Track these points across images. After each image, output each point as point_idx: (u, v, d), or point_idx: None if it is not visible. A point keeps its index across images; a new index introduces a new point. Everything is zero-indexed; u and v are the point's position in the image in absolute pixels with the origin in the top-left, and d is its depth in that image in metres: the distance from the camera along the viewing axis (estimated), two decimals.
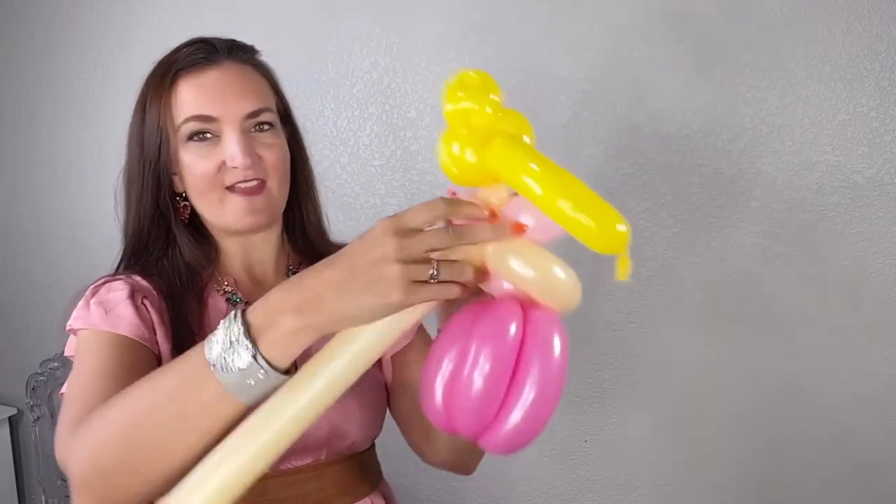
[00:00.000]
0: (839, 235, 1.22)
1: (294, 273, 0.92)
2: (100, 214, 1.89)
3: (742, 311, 1.30)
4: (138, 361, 0.75)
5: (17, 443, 2.12)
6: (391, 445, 0.99)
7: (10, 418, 2.08)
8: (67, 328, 0.83)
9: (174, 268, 0.85)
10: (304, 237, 0.93)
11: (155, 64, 0.85)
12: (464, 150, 0.59)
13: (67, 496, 2.14)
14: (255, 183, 0.81)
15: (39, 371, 1.98)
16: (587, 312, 1.39)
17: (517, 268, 0.58)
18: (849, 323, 1.24)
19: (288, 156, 0.86)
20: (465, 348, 0.59)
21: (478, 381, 0.57)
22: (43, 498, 2.02)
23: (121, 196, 0.90)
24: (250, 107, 0.81)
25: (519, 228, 0.59)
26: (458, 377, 0.59)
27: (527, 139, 0.62)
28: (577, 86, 1.35)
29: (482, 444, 0.61)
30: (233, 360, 0.55)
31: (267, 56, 0.91)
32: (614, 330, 1.38)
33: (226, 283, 0.88)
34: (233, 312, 0.58)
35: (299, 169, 0.91)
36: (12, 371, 2.07)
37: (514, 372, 0.58)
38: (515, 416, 0.58)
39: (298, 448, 0.78)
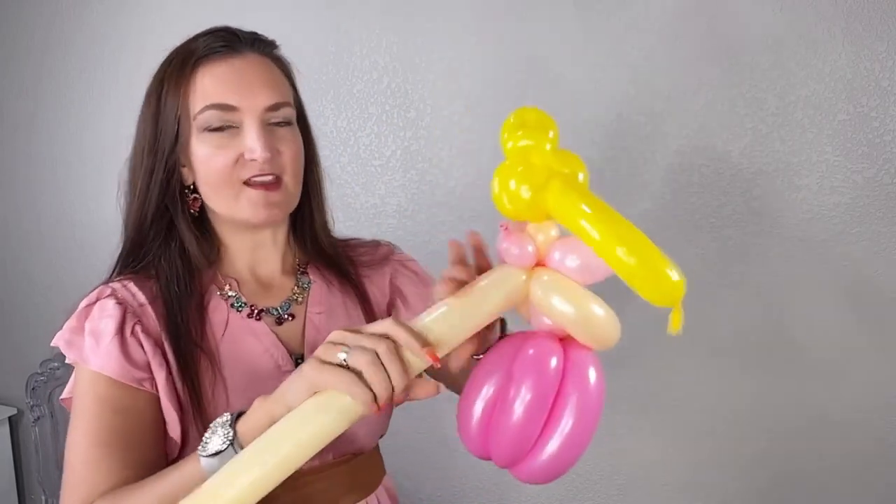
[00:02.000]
0: (839, 235, 1.22)
1: (303, 273, 0.90)
2: (100, 214, 1.89)
3: (742, 311, 1.30)
4: (132, 406, 0.75)
5: (17, 443, 2.12)
6: (392, 445, 0.99)
7: (10, 418, 2.08)
8: (55, 343, 0.80)
9: (172, 268, 0.81)
10: (313, 236, 0.91)
11: (172, 51, 0.83)
12: (520, 186, 0.61)
13: None
14: (271, 178, 0.78)
15: (39, 371, 1.98)
16: None
17: (559, 306, 0.60)
18: (848, 323, 1.24)
19: (303, 153, 0.84)
20: (507, 379, 0.61)
21: (518, 411, 0.59)
22: (43, 498, 2.02)
23: (124, 186, 0.86)
24: (272, 99, 0.78)
25: (433, 358, 0.60)
26: (498, 406, 0.61)
27: (581, 176, 0.63)
28: (576, 86, 1.35)
29: (516, 474, 0.63)
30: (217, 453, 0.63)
31: None
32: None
33: (228, 285, 0.85)
34: (227, 418, 0.65)
35: (310, 168, 0.89)
36: (12, 371, 2.07)
37: (553, 405, 0.60)
38: (552, 445, 0.60)
39: None
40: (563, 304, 0.60)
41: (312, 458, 0.81)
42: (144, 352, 0.77)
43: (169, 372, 0.77)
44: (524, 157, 0.62)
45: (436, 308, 0.63)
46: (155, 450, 0.76)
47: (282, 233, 0.89)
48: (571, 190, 0.59)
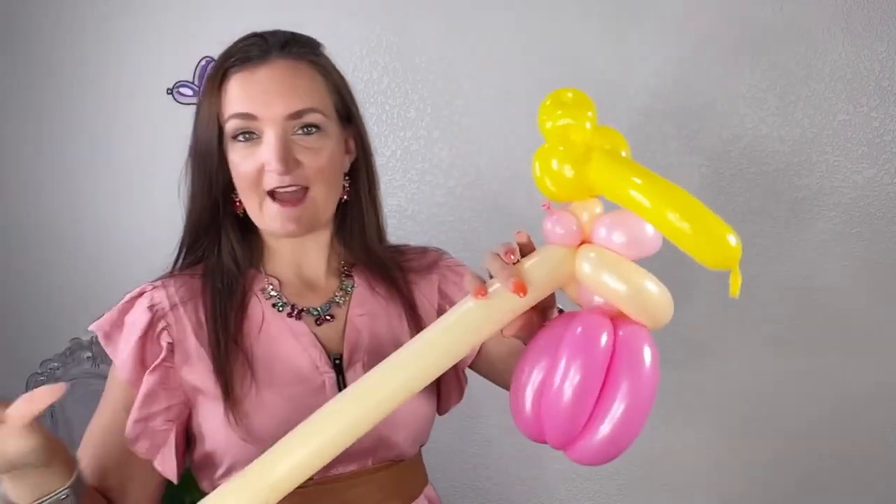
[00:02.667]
0: (839, 235, 1.22)
1: (348, 276, 0.89)
2: (100, 214, 1.89)
3: (742, 311, 1.30)
4: (123, 406, 0.79)
5: None
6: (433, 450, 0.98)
7: None
8: (92, 328, 0.83)
9: (219, 266, 0.84)
10: (360, 238, 0.89)
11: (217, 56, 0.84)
12: (563, 165, 0.60)
13: None
14: (294, 189, 0.78)
15: (39, 371, 1.97)
16: None
17: (610, 282, 0.59)
18: (849, 323, 1.24)
19: (337, 160, 0.82)
20: (555, 359, 0.59)
21: (567, 392, 0.58)
22: None
23: (184, 187, 0.86)
24: (293, 107, 0.77)
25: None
26: (547, 388, 0.60)
27: (624, 153, 0.61)
28: (577, 85, 1.34)
29: (570, 455, 0.61)
30: None
31: None
32: None
33: (270, 284, 0.85)
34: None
35: (362, 170, 0.88)
36: (12, 371, 2.07)
37: (604, 384, 0.58)
38: (605, 428, 0.58)
39: (344, 456, 0.76)
40: (614, 280, 0.58)
41: (350, 463, 0.81)
42: (162, 352, 0.79)
43: (167, 364, 0.79)
44: (564, 136, 0.62)
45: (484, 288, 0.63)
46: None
47: (324, 236, 0.88)
48: (617, 162, 0.58)
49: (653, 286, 0.59)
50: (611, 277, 0.59)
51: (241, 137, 0.78)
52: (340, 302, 0.87)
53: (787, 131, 1.22)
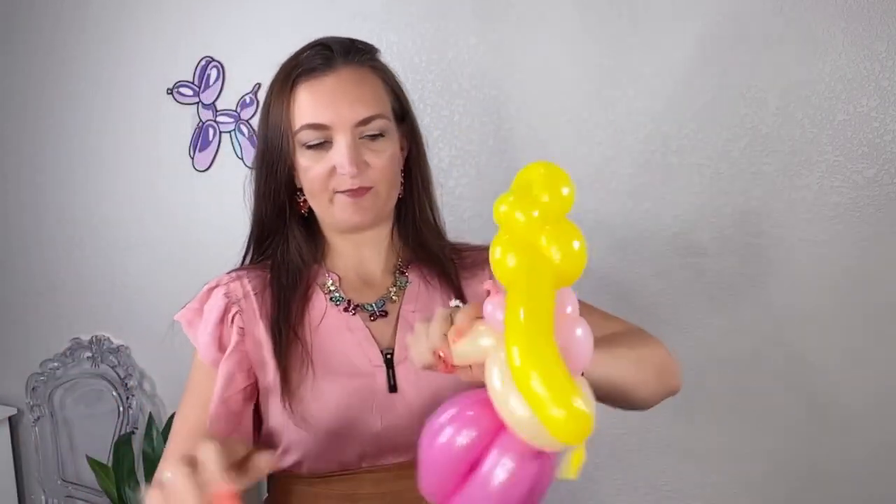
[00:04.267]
0: (839, 235, 1.22)
1: (402, 274, 0.93)
2: (100, 214, 1.89)
3: (741, 312, 1.30)
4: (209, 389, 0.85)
5: (17, 443, 2.12)
6: None
7: (10, 418, 2.08)
8: (177, 318, 0.90)
9: (284, 262, 0.90)
10: (417, 234, 0.95)
11: (280, 66, 0.88)
12: (505, 254, 0.56)
13: (67, 496, 2.14)
14: (360, 189, 0.84)
15: (39, 371, 1.98)
16: None
17: (510, 402, 0.53)
18: (849, 323, 1.24)
19: (397, 158, 0.88)
20: (453, 420, 0.58)
21: (441, 455, 0.57)
22: (43, 498, 2.03)
23: (252, 187, 0.93)
24: (362, 114, 0.83)
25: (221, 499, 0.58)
26: (437, 433, 0.58)
27: (576, 244, 0.55)
28: (576, 86, 1.35)
29: None
30: None
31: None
32: None
33: (331, 280, 0.91)
34: None
35: (415, 165, 0.93)
36: (12, 371, 2.07)
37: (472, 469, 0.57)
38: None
39: (392, 446, 0.83)
40: (516, 401, 0.52)
41: (398, 455, 0.84)
42: (234, 338, 0.86)
43: (260, 347, 0.86)
44: (509, 224, 0.56)
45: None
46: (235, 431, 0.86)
47: (384, 233, 0.93)
48: (524, 290, 0.52)
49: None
50: (515, 398, 0.52)
51: (311, 146, 0.84)
52: (395, 298, 0.91)
53: (787, 131, 1.22)
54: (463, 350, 0.62)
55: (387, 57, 1.50)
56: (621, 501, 1.45)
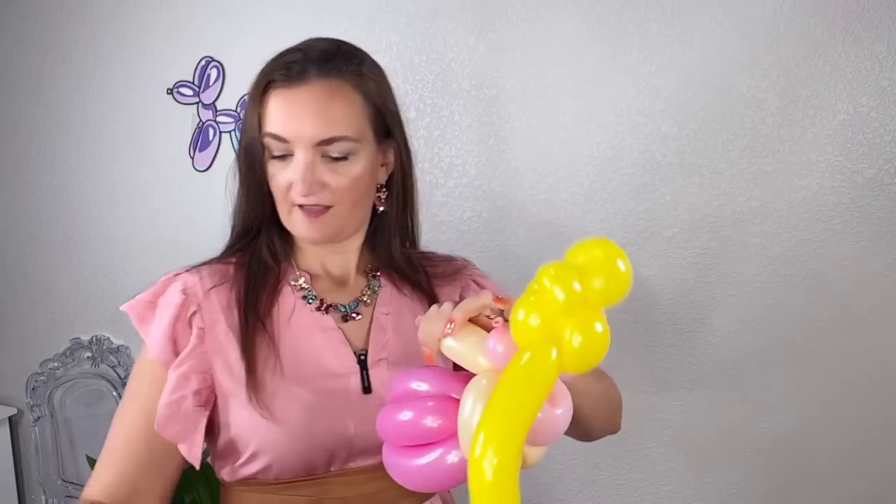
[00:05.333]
0: (839, 235, 1.22)
1: (374, 277, 0.92)
2: (100, 214, 1.89)
3: (741, 312, 1.30)
4: (158, 389, 0.81)
5: (17, 443, 2.12)
6: None
7: (10, 418, 2.08)
8: (124, 308, 0.86)
9: (256, 254, 0.88)
10: (387, 247, 0.92)
11: (264, 63, 0.85)
12: (527, 315, 0.56)
13: (67, 496, 2.14)
14: (317, 208, 0.82)
15: (39, 371, 1.98)
16: None
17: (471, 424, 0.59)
18: (849, 323, 1.24)
19: (366, 178, 0.84)
20: (420, 400, 0.65)
21: (407, 423, 0.65)
22: (43, 498, 2.02)
23: (234, 180, 0.91)
24: (324, 134, 0.79)
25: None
26: (406, 399, 0.67)
27: (554, 353, 0.55)
28: (577, 86, 1.35)
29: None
30: None
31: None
32: (613, 330, 1.37)
33: (302, 278, 0.89)
34: None
35: (398, 183, 0.89)
36: (12, 371, 2.07)
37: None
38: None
39: (363, 449, 0.82)
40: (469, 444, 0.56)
41: (369, 458, 0.84)
42: (190, 336, 0.82)
43: (225, 347, 0.82)
44: (544, 295, 0.56)
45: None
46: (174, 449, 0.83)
47: (353, 244, 0.91)
48: (521, 377, 0.55)
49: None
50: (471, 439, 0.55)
51: (274, 156, 0.82)
52: (368, 301, 0.90)
53: (787, 131, 1.22)
54: (454, 347, 0.65)
55: (386, 57, 1.50)
56: (622, 501, 1.45)
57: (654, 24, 1.27)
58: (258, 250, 0.88)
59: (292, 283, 0.88)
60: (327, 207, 0.82)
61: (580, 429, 0.82)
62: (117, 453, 0.81)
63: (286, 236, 0.89)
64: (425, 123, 1.47)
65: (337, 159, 0.81)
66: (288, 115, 0.80)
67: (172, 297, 0.83)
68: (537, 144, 1.39)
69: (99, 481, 0.81)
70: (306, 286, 0.88)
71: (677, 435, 1.39)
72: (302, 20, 1.55)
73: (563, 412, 0.61)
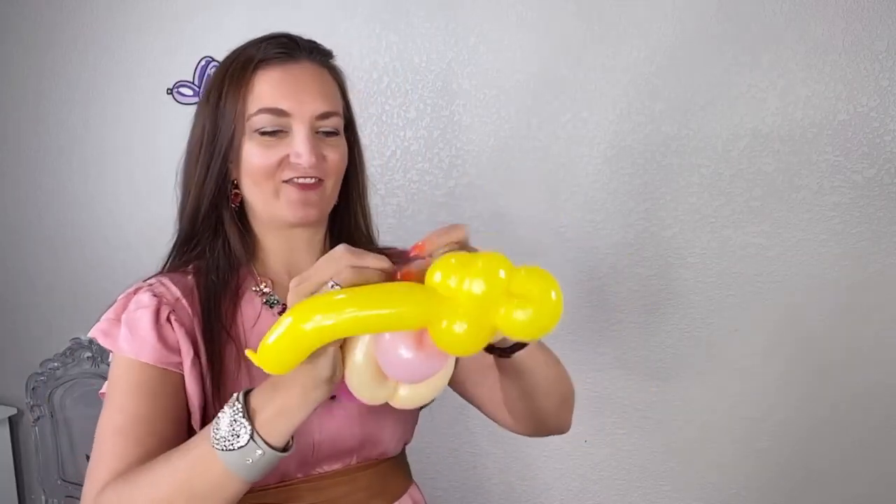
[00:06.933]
0: (839, 235, 1.22)
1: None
2: (100, 214, 1.89)
3: (742, 312, 1.30)
4: (161, 389, 0.77)
5: (17, 443, 2.12)
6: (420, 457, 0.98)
7: (10, 418, 2.08)
8: (91, 335, 0.82)
9: (215, 259, 0.85)
10: (349, 241, 0.92)
11: (231, 52, 0.85)
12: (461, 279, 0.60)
13: (67, 496, 2.14)
14: (312, 180, 0.81)
15: (39, 371, 1.98)
16: (586, 313, 1.39)
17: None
18: (849, 323, 1.24)
19: (346, 161, 0.86)
20: None
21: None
22: (43, 498, 2.02)
23: (181, 178, 0.88)
24: (323, 108, 0.81)
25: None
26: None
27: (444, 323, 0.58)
28: (577, 86, 1.35)
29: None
30: (233, 440, 0.61)
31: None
32: (614, 330, 1.38)
33: (263, 283, 0.87)
34: (236, 394, 0.63)
35: (353, 175, 0.90)
36: (12, 371, 2.07)
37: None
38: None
39: (329, 454, 0.81)
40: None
41: (335, 461, 0.82)
42: (177, 338, 0.79)
43: (196, 356, 0.79)
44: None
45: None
46: (177, 434, 0.77)
47: (318, 236, 0.90)
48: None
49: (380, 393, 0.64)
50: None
51: (265, 132, 0.80)
52: None
53: (787, 131, 1.22)
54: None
55: (386, 57, 1.50)
56: (622, 501, 1.45)
57: (654, 24, 1.28)
58: (216, 256, 0.85)
59: (253, 288, 0.86)
60: (321, 181, 0.82)
61: (531, 395, 0.81)
62: (116, 448, 0.75)
63: (245, 238, 0.87)
64: (425, 123, 1.47)
65: (328, 134, 0.83)
66: (287, 89, 0.80)
67: (143, 300, 0.80)
68: (537, 145, 1.39)
69: (108, 467, 0.74)
70: (268, 290, 0.86)
71: (678, 435, 1.39)
72: (302, 20, 1.55)
73: (415, 359, 0.59)
